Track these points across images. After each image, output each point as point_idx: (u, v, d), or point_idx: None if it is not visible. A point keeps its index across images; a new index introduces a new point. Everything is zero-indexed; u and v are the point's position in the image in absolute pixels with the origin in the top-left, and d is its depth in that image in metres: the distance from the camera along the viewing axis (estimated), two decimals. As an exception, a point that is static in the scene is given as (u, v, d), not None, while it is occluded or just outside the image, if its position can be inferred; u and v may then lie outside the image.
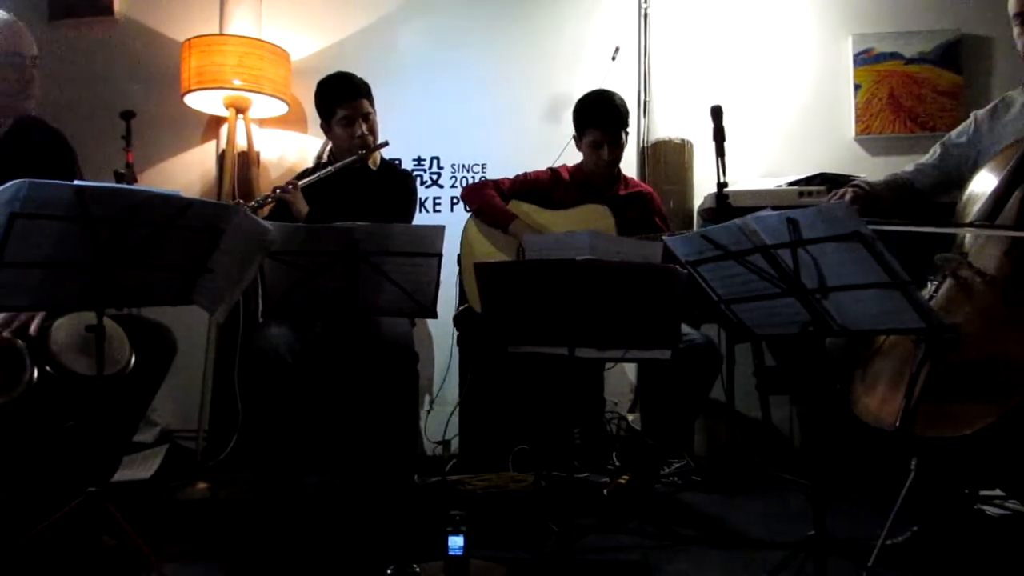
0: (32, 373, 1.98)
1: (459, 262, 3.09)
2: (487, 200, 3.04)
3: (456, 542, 1.87)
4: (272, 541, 2.38)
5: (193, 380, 3.37)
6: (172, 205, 1.74)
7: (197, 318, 3.05)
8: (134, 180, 2.72)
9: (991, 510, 2.53)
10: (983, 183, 2.09)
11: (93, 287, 1.75)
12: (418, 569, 1.94)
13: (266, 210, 2.80)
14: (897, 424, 1.74)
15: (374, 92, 2.97)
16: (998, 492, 2.56)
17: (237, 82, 3.44)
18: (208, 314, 2.00)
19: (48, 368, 1.99)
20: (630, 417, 3.43)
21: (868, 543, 1.89)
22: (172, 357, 2.37)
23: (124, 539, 1.83)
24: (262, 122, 3.84)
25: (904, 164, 2.51)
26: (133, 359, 2.14)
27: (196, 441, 3.31)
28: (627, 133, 3.04)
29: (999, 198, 1.98)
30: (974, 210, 2.05)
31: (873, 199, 2.32)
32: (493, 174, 3.75)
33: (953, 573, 2.06)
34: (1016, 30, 2.20)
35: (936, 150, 2.41)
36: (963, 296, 1.93)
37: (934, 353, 1.77)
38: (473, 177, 3.84)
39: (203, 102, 3.64)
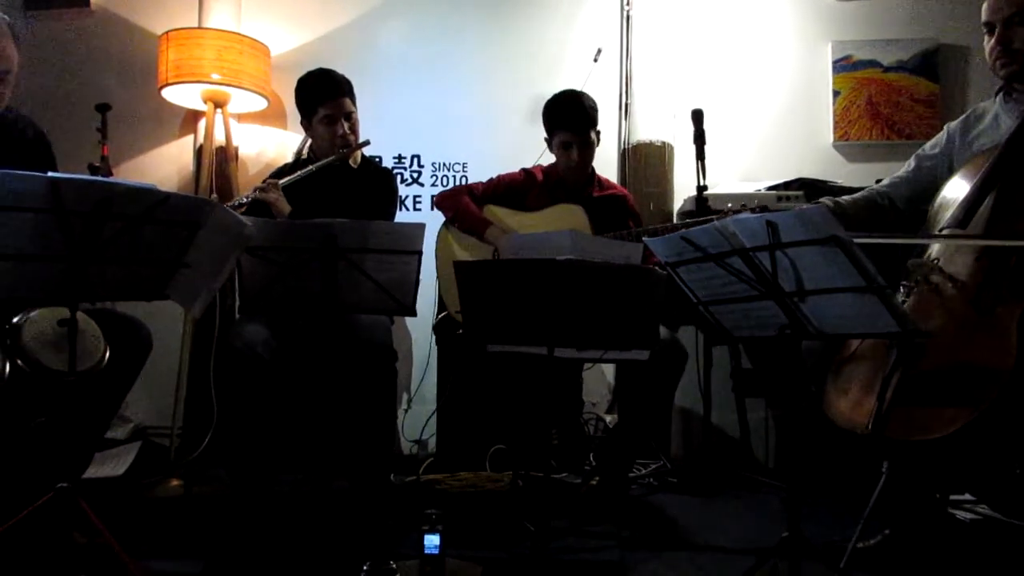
0: (3, 368, 1.95)
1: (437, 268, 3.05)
2: (462, 207, 3.01)
3: (432, 541, 1.87)
4: (247, 539, 2.36)
5: (168, 376, 3.33)
6: (148, 199, 1.71)
7: (172, 313, 3.03)
8: (109, 173, 2.69)
9: (962, 514, 2.56)
10: (954, 189, 2.11)
11: (66, 281, 1.72)
12: (394, 566, 1.93)
13: (244, 209, 2.77)
14: (869, 427, 1.75)
15: (355, 89, 2.94)
16: (969, 497, 2.60)
17: (216, 76, 3.41)
18: (184, 309, 1.98)
19: (20, 363, 1.96)
20: (608, 418, 3.44)
21: (842, 545, 1.91)
22: (147, 353, 2.34)
23: (95, 536, 1.80)
24: (241, 117, 3.81)
25: (881, 171, 2.54)
26: (107, 354, 2.11)
27: (170, 438, 3.27)
28: (598, 133, 3.00)
29: (971, 205, 1.99)
30: (945, 216, 2.06)
31: (838, 215, 2.31)
32: (474, 173, 3.76)
33: (923, 576, 2.09)
34: (985, 38, 2.22)
35: (911, 163, 2.42)
36: (935, 301, 1.94)
37: (906, 357, 1.79)
38: (454, 176, 3.83)
39: (181, 96, 3.60)
